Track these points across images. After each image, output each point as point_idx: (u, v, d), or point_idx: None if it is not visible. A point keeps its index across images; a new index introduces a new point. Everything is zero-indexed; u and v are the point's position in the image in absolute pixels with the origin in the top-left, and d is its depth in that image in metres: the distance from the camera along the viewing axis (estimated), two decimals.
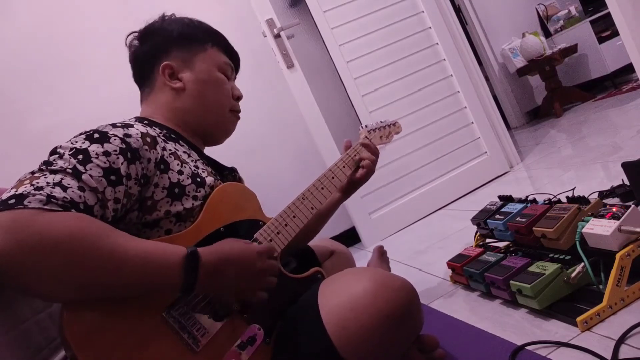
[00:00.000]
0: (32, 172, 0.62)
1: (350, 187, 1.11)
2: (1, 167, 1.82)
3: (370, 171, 1.07)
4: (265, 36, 2.07)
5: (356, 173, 1.06)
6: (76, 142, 0.67)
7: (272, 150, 2.26)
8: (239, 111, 1.00)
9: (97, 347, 0.58)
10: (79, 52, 2.03)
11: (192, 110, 0.90)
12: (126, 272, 0.59)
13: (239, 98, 1.00)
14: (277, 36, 2.07)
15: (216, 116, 0.94)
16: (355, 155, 1.06)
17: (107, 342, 0.58)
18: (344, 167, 1.04)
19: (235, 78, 1.02)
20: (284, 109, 2.26)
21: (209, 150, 0.97)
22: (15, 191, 0.58)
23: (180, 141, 0.86)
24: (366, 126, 1.15)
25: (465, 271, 1.12)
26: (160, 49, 0.91)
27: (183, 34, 0.92)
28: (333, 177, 1.01)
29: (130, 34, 0.94)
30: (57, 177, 0.61)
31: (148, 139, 0.73)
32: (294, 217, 0.89)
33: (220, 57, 0.96)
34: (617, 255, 0.82)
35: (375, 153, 1.09)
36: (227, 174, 0.97)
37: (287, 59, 2.08)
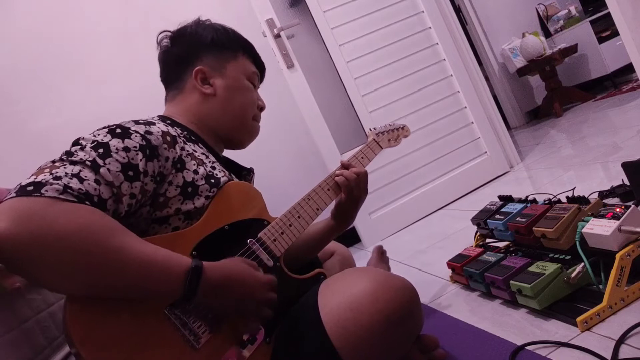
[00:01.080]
0: (53, 161, 0.64)
1: (339, 210, 1.01)
2: (1, 167, 1.82)
3: (349, 189, 0.96)
4: (265, 36, 2.07)
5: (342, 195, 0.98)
6: (98, 134, 0.69)
7: (272, 150, 2.26)
8: (259, 120, 1.01)
9: (100, 343, 0.58)
10: (79, 52, 2.03)
11: (217, 115, 0.92)
12: (129, 274, 0.59)
13: (262, 109, 1.02)
14: (277, 36, 2.07)
15: (239, 123, 0.96)
16: (362, 157, 1.05)
17: (109, 337, 0.59)
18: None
19: (258, 87, 1.04)
20: (284, 109, 2.26)
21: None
22: (35, 178, 0.59)
23: (200, 143, 0.87)
24: (374, 129, 1.14)
25: (465, 271, 1.12)
26: (193, 53, 0.93)
27: (216, 40, 0.94)
28: None
29: (162, 32, 0.95)
30: (76, 169, 0.62)
31: (168, 138, 0.74)
32: (298, 217, 0.90)
33: (249, 66, 0.98)
34: (617, 255, 0.82)
35: (353, 175, 0.97)
36: (245, 174, 0.99)
37: (287, 59, 2.08)
